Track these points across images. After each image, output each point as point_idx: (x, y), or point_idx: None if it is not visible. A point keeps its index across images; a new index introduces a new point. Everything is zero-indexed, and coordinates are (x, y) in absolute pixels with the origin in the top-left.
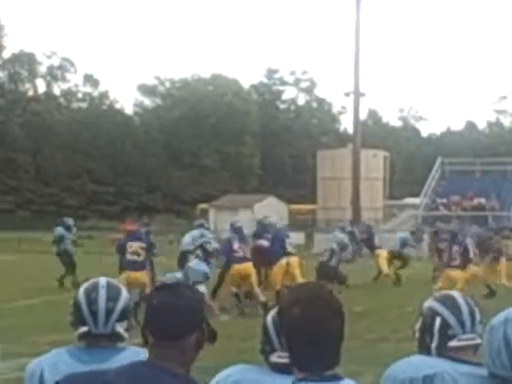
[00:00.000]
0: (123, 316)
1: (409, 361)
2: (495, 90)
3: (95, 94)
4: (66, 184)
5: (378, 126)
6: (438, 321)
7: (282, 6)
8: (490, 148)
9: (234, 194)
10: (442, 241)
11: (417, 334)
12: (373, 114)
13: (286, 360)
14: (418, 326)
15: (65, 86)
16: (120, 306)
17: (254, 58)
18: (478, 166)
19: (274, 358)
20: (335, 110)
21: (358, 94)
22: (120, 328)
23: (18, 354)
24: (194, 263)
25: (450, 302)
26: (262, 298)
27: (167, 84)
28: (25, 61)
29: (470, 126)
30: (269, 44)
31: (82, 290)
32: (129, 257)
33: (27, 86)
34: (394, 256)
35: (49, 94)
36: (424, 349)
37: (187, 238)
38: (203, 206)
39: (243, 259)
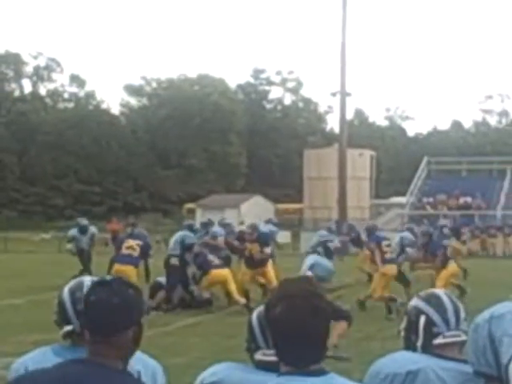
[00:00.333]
0: None
1: (393, 357)
2: (481, 89)
3: (81, 94)
4: (52, 184)
5: (364, 126)
6: (422, 319)
7: (269, 7)
8: (476, 147)
9: (221, 194)
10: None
11: (402, 333)
12: (359, 114)
13: (270, 358)
14: (403, 325)
15: (51, 86)
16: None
17: (240, 58)
18: (464, 165)
19: (258, 356)
20: (321, 109)
21: (344, 94)
22: None
23: (2, 353)
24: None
25: (434, 301)
26: (242, 300)
27: (153, 84)
28: (11, 61)
29: (456, 125)
30: (255, 44)
31: (66, 289)
32: (123, 251)
33: (13, 86)
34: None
35: (35, 94)
36: (410, 348)
37: (171, 243)
38: (190, 205)
39: (220, 265)
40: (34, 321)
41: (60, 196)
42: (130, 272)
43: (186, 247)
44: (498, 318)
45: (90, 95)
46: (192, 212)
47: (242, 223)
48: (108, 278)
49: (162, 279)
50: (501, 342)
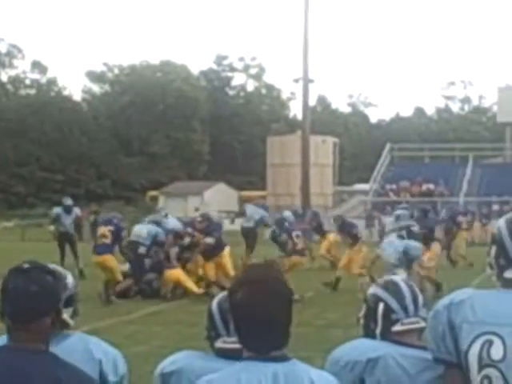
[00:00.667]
0: (68, 303)
1: (353, 344)
2: (444, 75)
3: (43, 80)
4: (14, 171)
5: (327, 112)
6: (381, 306)
7: None
8: (439, 134)
9: (184, 181)
10: None
11: (361, 321)
12: (322, 100)
13: (231, 345)
14: (362, 312)
15: (12, 72)
16: (65, 293)
17: (202, 45)
18: (426, 152)
19: (219, 344)
20: (284, 96)
21: (306, 80)
22: (65, 314)
23: None
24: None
25: (392, 288)
26: (199, 291)
27: (116, 70)
28: None
29: (419, 111)
30: (217, 30)
31: None
32: (97, 241)
33: None
34: None
35: None
36: (369, 335)
37: (144, 231)
38: (153, 193)
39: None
40: None
41: (22, 184)
42: (107, 261)
43: (156, 242)
44: (457, 305)
45: (52, 82)
46: (155, 199)
47: (197, 210)
48: (26, 265)
49: (124, 267)
50: (460, 329)
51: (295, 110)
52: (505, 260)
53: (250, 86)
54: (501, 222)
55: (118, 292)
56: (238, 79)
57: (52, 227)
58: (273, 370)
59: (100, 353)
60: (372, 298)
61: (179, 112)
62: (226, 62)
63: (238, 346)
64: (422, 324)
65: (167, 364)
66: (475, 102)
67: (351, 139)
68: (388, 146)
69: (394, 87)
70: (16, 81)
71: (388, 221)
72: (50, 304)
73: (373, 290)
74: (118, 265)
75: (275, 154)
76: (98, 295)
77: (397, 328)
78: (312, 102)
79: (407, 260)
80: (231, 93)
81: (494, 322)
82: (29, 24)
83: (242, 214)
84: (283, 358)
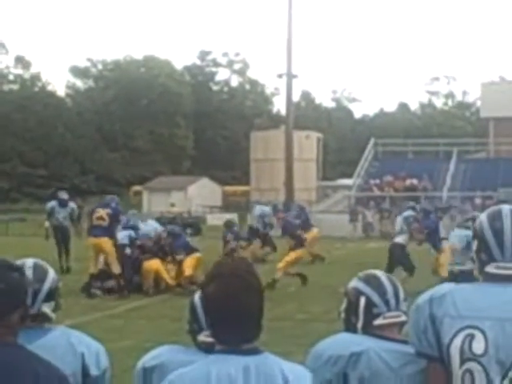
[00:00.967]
0: (50, 297)
1: (335, 339)
2: (427, 71)
3: (27, 75)
4: None
5: (310, 108)
6: (362, 300)
7: None
8: (423, 129)
9: (168, 176)
10: None
11: (342, 315)
12: (306, 96)
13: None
14: (343, 306)
15: None
16: (46, 286)
17: (186, 40)
18: (410, 147)
19: (201, 337)
20: (268, 91)
21: (290, 76)
22: (47, 308)
23: None
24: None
25: (373, 282)
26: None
27: (99, 66)
28: None
29: (403, 107)
30: (201, 25)
31: None
32: (94, 222)
33: None
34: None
35: None
36: (350, 329)
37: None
38: (137, 188)
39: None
40: None
41: (5, 179)
42: (104, 244)
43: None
44: (438, 299)
45: (36, 77)
46: (139, 194)
47: (173, 205)
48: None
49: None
50: (442, 323)
51: (279, 105)
52: (486, 255)
53: (234, 81)
54: (482, 217)
55: (105, 288)
56: (221, 74)
57: (47, 223)
58: (244, 363)
59: (82, 346)
60: (353, 292)
61: (163, 107)
62: (209, 58)
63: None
64: (404, 318)
65: (149, 359)
66: (459, 98)
67: (335, 134)
68: (372, 141)
69: (377, 82)
70: None
71: (398, 220)
72: (17, 301)
73: (354, 283)
74: (114, 250)
75: (259, 149)
76: (80, 289)
77: (378, 322)
78: (296, 97)
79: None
80: (215, 88)
81: (476, 316)
82: (12, 19)
83: (225, 208)
84: (255, 351)
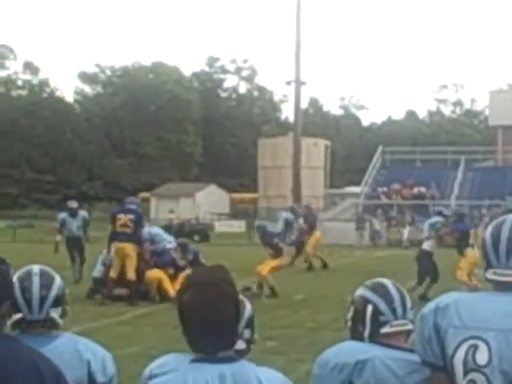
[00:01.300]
0: (57, 302)
1: (341, 346)
2: (436, 79)
3: (35, 81)
4: (4, 172)
5: (319, 115)
6: (369, 308)
7: None
8: (431, 137)
9: (175, 183)
10: None
11: (349, 323)
12: (314, 103)
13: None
14: (350, 315)
15: (4, 73)
16: (53, 293)
17: (195, 46)
18: (418, 155)
19: None
20: (276, 98)
21: (298, 83)
22: (54, 314)
23: None
24: None
25: (380, 290)
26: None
27: (108, 72)
28: None
29: (411, 114)
30: (210, 32)
31: (15, 278)
32: (118, 229)
33: None
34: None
35: None
36: (356, 338)
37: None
38: (144, 194)
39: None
40: None
41: (13, 184)
42: (128, 249)
43: None
44: (443, 309)
45: (44, 83)
46: (147, 201)
47: (171, 211)
48: None
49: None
50: (446, 333)
51: (287, 112)
52: (485, 261)
53: (242, 88)
54: (490, 226)
55: (113, 295)
56: (230, 81)
57: (59, 237)
58: (220, 371)
59: (89, 353)
60: (360, 300)
61: (171, 113)
62: (218, 64)
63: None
64: (410, 326)
65: (155, 367)
66: (467, 106)
67: (343, 142)
68: (380, 149)
69: (386, 90)
70: (8, 82)
71: (425, 225)
72: (4, 292)
73: (361, 292)
74: (135, 257)
75: (267, 156)
76: (86, 295)
77: (385, 330)
78: (304, 104)
79: None
80: (223, 95)
81: (479, 327)
82: (21, 24)
83: (233, 215)
84: (231, 359)
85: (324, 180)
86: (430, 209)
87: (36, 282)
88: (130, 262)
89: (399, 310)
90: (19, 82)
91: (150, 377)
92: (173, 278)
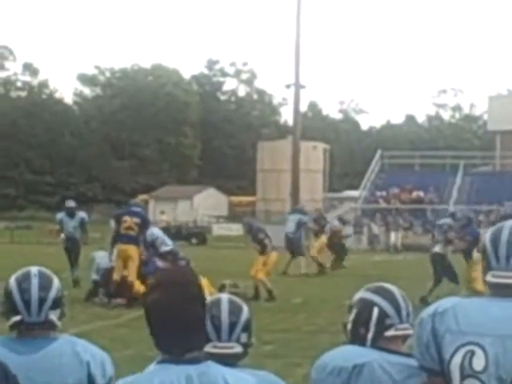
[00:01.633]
0: (56, 304)
1: (339, 350)
2: (435, 83)
3: (34, 82)
4: (3, 173)
5: (318, 119)
6: (375, 311)
7: None
8: (429, 141)
9: (174, 185)
10: None
11: (349, 326)
12: (313, 106)
13: (222, 350)
14: (351, 317)
15: (3, 74)
16: (52, 294)
17: (194, 49)
18: (417, 160)
19: (207, 349)
20: (276, 101)
21: (298, 86)
22: (53, 316)
23: None
24: None
25: (385, 293)
26: None
27: (107, 74)
28: None
29: (410, 119)
30: (209, 35)
31: (13, 279)
32: (122, 231)
33: None
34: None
35: None
36: (357, 341)
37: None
38: (143, 196)
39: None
40: None
41: (11, 186)
42: (131, 251)
43: None
44: (441, 314)
45: (43, 84)
46: (145, 203)
47: (162, 213)
48: None
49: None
50: (443, 339)
51: (286, 116)
52: (485, 263)
53: (242, 91)
54: (490, 229)
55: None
56: (229, 84)
57: (63, 235)
58: (186, 372)
59: (88, 355)
60: (365, 303)
61: (170, 116)
62: (217, 67)
63: (228, 351)
64: (411, 331)
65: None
66: (466, 110)
67: (342, 146)
68: (378, 153)
69: (385, 94)
70: (7, 83)
71: (436, 228)
72: None
73: (364, 294)
74: (138, 259)
75: (265, 160)
76: (84, 298)
77: (390, 333)
78: (303, 107)
79: None
80: (222, 98)
81: (476, 332)
82: (20, 26)
83: (231, 218)
84: (197, 360)
85: (323, 184)
86: (428, 213)
87: (35, 283)
88: (132, 264)
89: (404, 313)
90: (18, 84)
91: None
92: None
